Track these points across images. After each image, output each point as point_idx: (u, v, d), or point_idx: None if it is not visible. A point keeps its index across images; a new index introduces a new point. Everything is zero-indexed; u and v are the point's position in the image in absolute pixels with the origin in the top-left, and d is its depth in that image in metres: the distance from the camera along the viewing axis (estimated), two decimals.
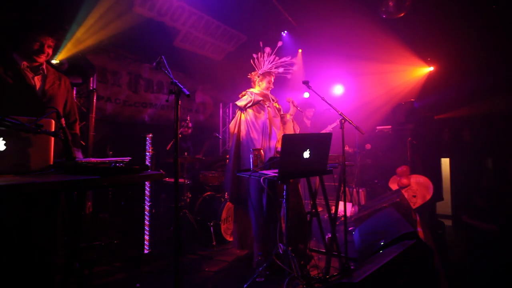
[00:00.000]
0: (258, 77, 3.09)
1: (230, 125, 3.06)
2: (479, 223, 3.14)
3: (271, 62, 3.09)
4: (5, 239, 1.60)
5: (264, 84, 3.07)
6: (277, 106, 3.14)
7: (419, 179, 4.91)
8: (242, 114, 2.98)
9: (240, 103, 2.98)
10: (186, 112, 5.69)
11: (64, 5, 3.18)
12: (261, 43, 3.08)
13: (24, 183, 1.04)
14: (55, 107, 1.59)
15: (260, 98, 2.97)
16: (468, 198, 4.73)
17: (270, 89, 3.12)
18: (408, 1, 4.27)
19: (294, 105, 3.14)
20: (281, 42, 3.12)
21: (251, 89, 3.07)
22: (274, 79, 3.12)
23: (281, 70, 3.09)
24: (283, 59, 3.09)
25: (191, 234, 3.62)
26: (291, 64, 3.11)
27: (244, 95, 3.03)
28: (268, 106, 2.98)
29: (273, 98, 3.12)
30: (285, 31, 5.80)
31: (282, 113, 3.16)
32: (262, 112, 2.96)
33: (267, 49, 3.06)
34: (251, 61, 3.12)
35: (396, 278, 1.83)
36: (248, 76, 3.17)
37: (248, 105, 2.93)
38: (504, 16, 4.38)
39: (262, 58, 3.08)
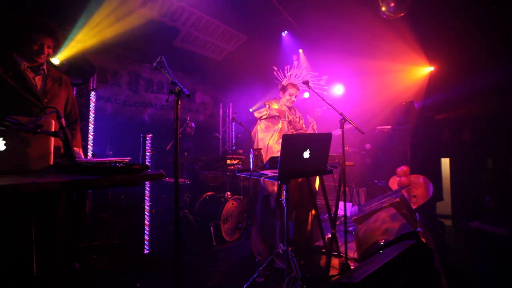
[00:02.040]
0: (282, 87, 3.13)
1: (252, 133, 3.13)
2: (490, 228, 3.11)
3: (298, 75, 3.12)
4: (5, 239, 1.60)
5: (286, 96, 3.08)
6: (297, 120, 3.15)
7: (419, 179, 4.91)
8: (258, 123, 3.07)
9: (257, 114, 3.07)
10: (186, 112, 5.69)
11: (65, 6, 3.18)
12: (295, 56, 3.16)
13: (24, 183, 1.04)
14: (55, 107, 1.58)
15: (276, 114, 3.03)
16: (470, 200, 4.72)
17: (292, 102, 3.10)
18: (408, 1, 4.27)
19: (316, 115, 3.14)
20: (297, 60, 3.17)
21: (272, 103, 3.09)
22: (298, 93, 3.10)
23: (311, 85, 3.00)
24: (307, 75, 3.13)
25: (191, 234, 3.62)
26: (319, 79, 3.13)
27: (265, 106, 3.10)
28: (282, 122, 3.03)
29: (289, 115, 3.09)
30: (285, 31, 5.80)
31: (303, 126, 3.18)
32: (275, 125, 3.02)
33: (295, 62, 3.11)
34: (275, 73, 3.16)
35: (396, 278, 1.83)
36: (278, 87, 3.21)
37: (264, 117, 3.02)
38: (504, 16, 4.38)
39: (288, 70, 3.14)
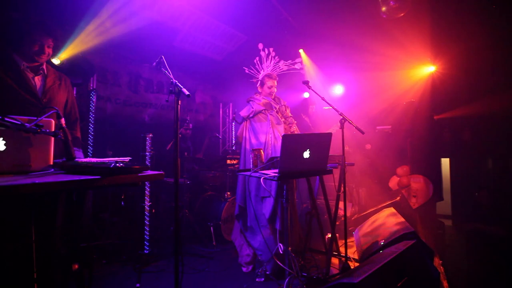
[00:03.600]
0: (259, 81, 3.07)
1: (238, 133, 3.07)
2: (485, 227, 3.11)
3: (270, 65, 3.08)
4: (5, 240, 1.60)
5: (265, 89, 3.04)
6: (284, 109, 3.11)
7: (419, 179, 4.91)
8: (246, 122, 3.01)
9: (243, 113, 3.02)
10: (186, 112, 5.69)
11: (65, 6, 3.18)
12: (260, 45, 3.05)
13: (24, 183, 1.04)
14: (55, 107, 1.58)
15: (262, 108, 2.98)
16: (469, 200, 4.72)
17: (273, 93, 3.06)
18: (409, 0, 4.27)
19: (310, 112, 3.11)
20: (276, 45, 3.10)
21: (255, 98, 3.06)
22: (276, 82, 3.05)
23: (284, 68, 3.03)
24: (281, 62, 3.08)
25: (191, 234, 3.62)
26: (294, 63, 3.09)
27: (248, 102, 3.06)
28: (270, 114, 2.98)
29: (275, 105, 3.06)
30: (285, 31, 5.79)
31: (289, 115, 3.14)
32: (264, 121, 2.97)
33: (263, 53, 3.04)
34: (247, 70, 3.12)
35: (396, 278, 1.83)
36: (253, 81, 3.15)
37: (251, 115, 2.97)
38: (504, 16, 4.38)
39: (261, 63, 3.08)
